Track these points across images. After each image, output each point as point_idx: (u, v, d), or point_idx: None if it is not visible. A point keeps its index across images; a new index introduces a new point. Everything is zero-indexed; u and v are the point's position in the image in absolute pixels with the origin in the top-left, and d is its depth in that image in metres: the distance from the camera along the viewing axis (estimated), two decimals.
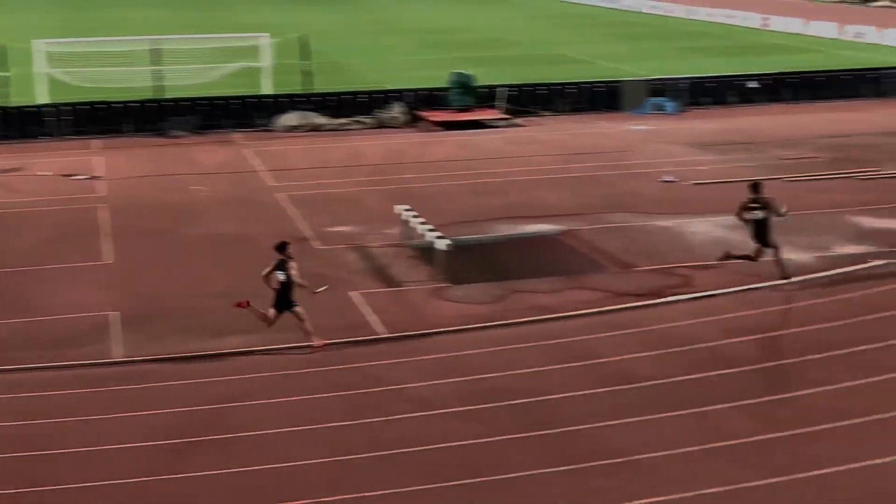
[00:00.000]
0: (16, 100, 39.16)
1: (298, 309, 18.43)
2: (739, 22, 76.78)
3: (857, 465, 13.93)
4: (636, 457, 14.24)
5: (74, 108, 38.08)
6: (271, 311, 18.47)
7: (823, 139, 36.21)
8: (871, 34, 63.32)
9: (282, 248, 18.51)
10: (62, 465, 14.38)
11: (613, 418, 15.43)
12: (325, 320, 19.82)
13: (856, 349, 17.87)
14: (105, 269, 23.16)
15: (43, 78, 40.53)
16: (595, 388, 16.55)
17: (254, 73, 42.62)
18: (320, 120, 39.37)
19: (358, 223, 26.33)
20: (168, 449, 14.79)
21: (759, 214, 21.03)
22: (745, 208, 21.21)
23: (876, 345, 18.07)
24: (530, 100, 41.82)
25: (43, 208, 28.14)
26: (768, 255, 21.11)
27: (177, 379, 17.30)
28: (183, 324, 19.79)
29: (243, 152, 35.49)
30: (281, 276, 18.27)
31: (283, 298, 18.35)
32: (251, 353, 18.36)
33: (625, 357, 17.85)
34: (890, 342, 18.19)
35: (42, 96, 39.98)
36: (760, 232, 21.11)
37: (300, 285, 18.42)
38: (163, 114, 38.44)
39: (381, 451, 14.62)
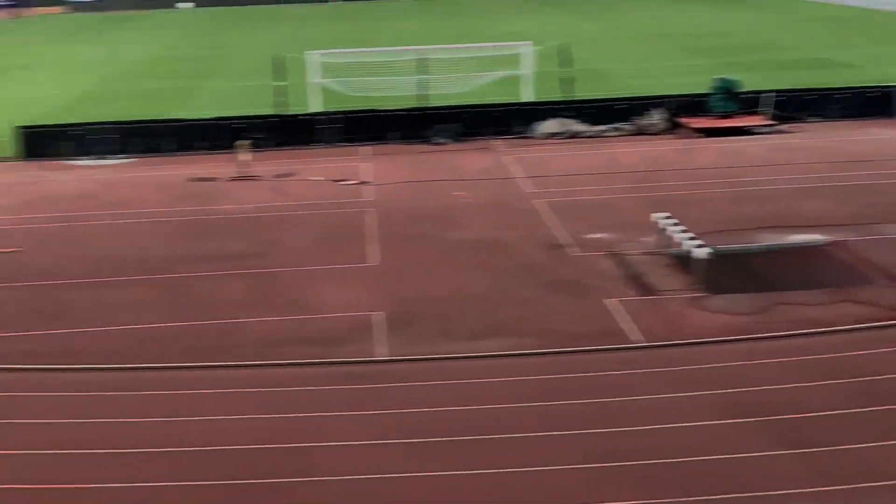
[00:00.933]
0: (292, 108, 41.08)
1: None
2: None
3: None
4: None
5: (345, 116, 39.60)
6: None
7: None
8: None
9: None
10: (319, 457, 14.91)
11: (887, 439, 14.54)
12: (578, 326, 19.72)
13: None
14: (370, 271, 23.89)
15: (316, 87, 42.39)
16: (864, 407, 15.66)
17: (513, 80, 43.01)
18: (579, 127, 39.25)
19: (615, 230, 26.05)
20: (421, 447, 15.07)
21: None
22: None
23: None
24: (797, 106, 40.18)
25: (313, 212, 29.35)
26: None
27: (437, 379, 17.62)
28: (444, 326, 20.15)
29: (503, 159, 35.85)
30: None
31: None
32: (508, 356, 18.48)
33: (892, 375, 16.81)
34: None
35: (315, 105, 41.79)
36: None
37: None
38: (427, 122, 39.38)
39: (633, 460, 14.37)
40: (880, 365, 17.25)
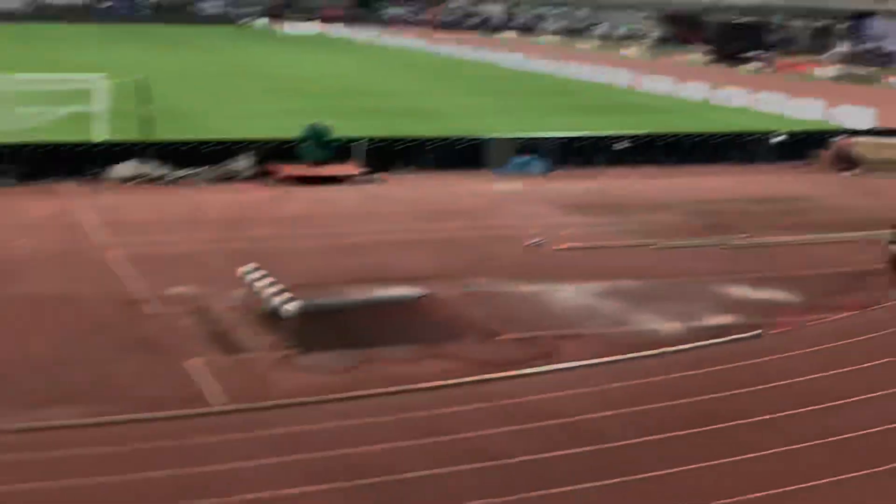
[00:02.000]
0: None
1: None
2: (610, 79, 78.88)
3: None
4: None
5: None
6: None
7: (693, 204, 37.32)
8: (741, 97, 65.83)
9: None
10: None
11: (470, 498, 15.42)
12: (157, 390, 19.40)
13: (723, 425, 18.29)
14: None
15: None
16: (452, 466, 16.52)
17: (87, 117, 41.79)
18: (160, 171, 38.79)
19: (199, 284, 25.89)
20: None
21: None
22: None
23: (742, 421, 18.52)
24: (390, 155, 42.05)
25: None
26: None
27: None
28: None
29: (72, 204, 34.69)
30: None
31: None
32: (76, 426, 17.79)
33: (483, 432, 17.85)
34: (757, 419, 18.68)
35: None
36: None
37: None
38: None
39: None
40: (466, 423, 18.24)
